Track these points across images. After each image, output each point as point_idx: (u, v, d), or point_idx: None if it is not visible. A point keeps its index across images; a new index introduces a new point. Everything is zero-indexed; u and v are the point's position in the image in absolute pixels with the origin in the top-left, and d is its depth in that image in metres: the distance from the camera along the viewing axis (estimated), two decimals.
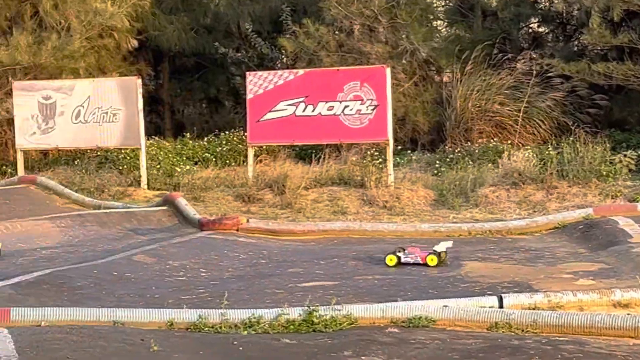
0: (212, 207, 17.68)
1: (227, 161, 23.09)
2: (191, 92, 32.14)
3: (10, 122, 23.93)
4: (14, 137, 23.21)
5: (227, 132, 24.67)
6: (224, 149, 23.66)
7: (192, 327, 7.80)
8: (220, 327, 7.75)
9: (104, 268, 11.10)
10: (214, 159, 23.11)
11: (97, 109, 20.71)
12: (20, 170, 21.65)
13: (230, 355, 6.96)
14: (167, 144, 24.27)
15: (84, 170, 21.38)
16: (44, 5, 25.01)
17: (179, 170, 21.25)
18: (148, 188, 20.08)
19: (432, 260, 11.42)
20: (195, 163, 22.88)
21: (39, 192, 19.00)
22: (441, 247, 11.66)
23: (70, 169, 21.91)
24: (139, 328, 7.64)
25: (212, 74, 31.49)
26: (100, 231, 14.82)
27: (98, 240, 14.11)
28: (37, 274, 10.44)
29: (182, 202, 16.28)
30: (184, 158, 23.00)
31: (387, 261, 11.55)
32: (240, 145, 23.22)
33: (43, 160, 25.33)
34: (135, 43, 27.51)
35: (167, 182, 20.28)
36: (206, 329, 7.75)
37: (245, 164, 21.08)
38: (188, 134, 25.50)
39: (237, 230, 14.55)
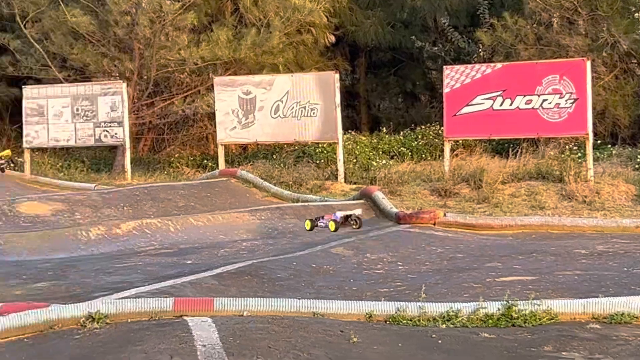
0: (409, 201, 17.68)
1: (423, 155, 23.09)
2: (387, 86, 32.24)
3: (211, 116, 24.60)
4: (214, 131, 23.80)
5: (422, 126, 24.67)
6: (420, 143, 23.68)
7: (390, 320, 7.81)
8: (419, 320, 7.74)
9: (302, 260, 11.25)
10: (409, 153, 23.16)
11: (295, 104, 20.99)
12: (221, 164, 22.12)
13: (429, 348, 6.94)
14: (364, 138, 24.46)
15: (282, 164, 21.75)
16: (244, 1, 25.56)
17: (375, 164, 21.37)
18: (345, 182, 20.23)
19: (331, 226, 13.45)
20: (391, 157, 22.96)
21: (239, 185, 19.39)
22: (345, 213, 13.61)
23: (268, 163, 22.33)
24: (338, 319, 7.70)
25: (408, 68, 31.54)
26: (299, 224, 15.00)
27: (296, 233, 14.31)
28: (239, 265, 10.66)
29: (379, 195, 16.35)
30: (380, 152, 23.13)
31: (305, 225, 13.91)
32: (436, 140, 23.20)
33: (242, 154, 25.95)
34: (332, 38, 27.87)
35: (364, 176, 20.38)
36: (404, 321, 7.75)
37: (441, 158, 21.02)
38: (384, 128, 25.60)
39: (434, 224, 14.52)
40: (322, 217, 13.81)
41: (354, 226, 13.48)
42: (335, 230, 13.27)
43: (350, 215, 13.49)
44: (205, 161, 24.73)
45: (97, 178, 22.62)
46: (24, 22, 25.93)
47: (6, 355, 6.99)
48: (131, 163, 23.00)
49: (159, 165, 25.44)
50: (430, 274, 10.68)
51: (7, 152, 16.88)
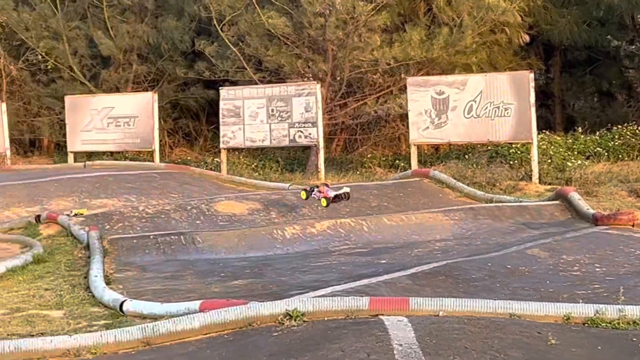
0: (605, 202, 17.25)
1: (620, 155, 22.56)
2: (582, 85, 31.55)
3: (403, 117, 24.66)
4: (406, 131, 23.87)
5: (619, 126, 24.07)
6: (617, 143, 23.12)
7: (588, 322, 7.66)
8: (618, 323, 7.58)
9: (497, 261, 11.15)
10: (605, 154, 22.65)
11: (488, 104, 20.83)
12: (414, 164, 22.14)
13: (630, 351, 6.80)
14: (558, 138, 24.03)
15: (474, 164, 21.60)
16: (438, 1, 25.48)
17: (570, 164, 20.98)
18: (539, 182, 19.96)
19: (323, 202, 14.94)
20: (587, 157, 22.50)
21: (431, 185, 19.34)
22: (337, 192, 15.00)
23: (461, 163, 22.19)
24: (534, 321, 7.61)
25: (604, 67, 30.78)
26: (493, 224, 14.89)
27: (490, 234, 14.19)
28: (433, 265, 10.66)
29: (575, 196, 16.02)
30: (575, 152, 22.70)
31: (301, 195, 15.54)
32: (634, 140, 22.65)
33: (434, 154, 25.90)
34: (526, 38, 27.48)
35: (558, 177, 20.07)
36: (603, 324, 7.60)
37: (639, 158, 20.50)
38: (579, 128, 25.11)
39: (633, 225, 14.11)
40: (317, 187, 15.19)
41: (344, 199, 14.96)
42: (327, 205, 14.87)
43: (340, 194, 14.91)
44: (397, 161, 24.80)
45: (291, 178, 22.96)
46: (221, 26, 26.59)
47: (207, 351, 7.20)
48: (324, 163, 23.24)
49: (351, 165, 25.66)
50: (629, 277, 10.42)
51: (84, 210, 16.98)
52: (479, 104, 20.97)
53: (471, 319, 7.40)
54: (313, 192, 15.11)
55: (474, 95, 21.07)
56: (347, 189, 14.99)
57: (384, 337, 6.80)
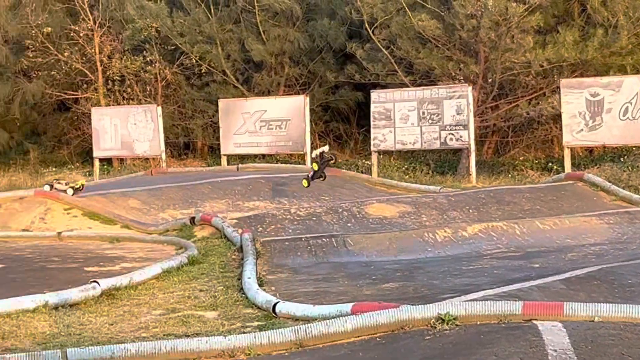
0: None
1: None
2: None
3: (556, 119, 24.32)
4: (559, 134, 23.55)
5: None
6: None
7: None
8: None
9: None
10: None
11: None
12: (567, 167, 21.85)
13: None
14: None
15: (630, 167, 21.18)
16: (592, 2, 25.01)
17: None
18: None
19: (315, 166, 16.79)
20: None
21: (585, 189, 19.00)
22: (316, 151, 17.09)
23: (615, 166, 21.79)
24: None
25: None
26: None
27: None
28: (587, 269, 10.45)
29: None
30: None
31: (303, 184, 17.34)
32: None
33: (588, 156, 25.44)
34: None
35: None
36: None
37: None
38: None
39: None
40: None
41: (331, 162, 16.55)
42: (319, 168, 16.36)
43: (322, 152, 16.51)
44: (550, 164, 24.48)
45: (442, 180, 22.90)
46: (372, 29, 26.71)
47: (359, 354, 7.23)
48: (475, 166, 23.09)
49: (502, 168, 25.42)
50: None
51: (82, 181, 17.52)
52: (634, 106, 20.58)
53: (627, 325, 7.24)
54: (310, 175, 17.11)
55: (629, 97, 20.69)
56: (325, 148, 17.07)
57: (538, 342, 6.71)
